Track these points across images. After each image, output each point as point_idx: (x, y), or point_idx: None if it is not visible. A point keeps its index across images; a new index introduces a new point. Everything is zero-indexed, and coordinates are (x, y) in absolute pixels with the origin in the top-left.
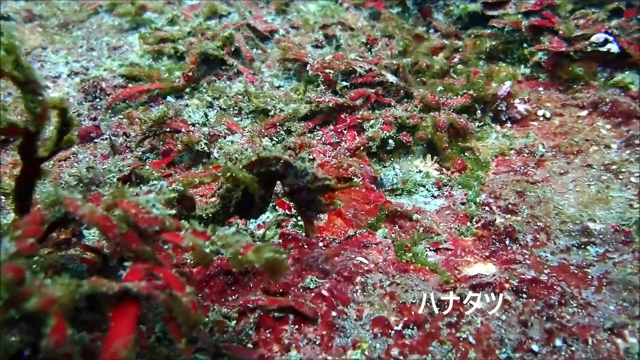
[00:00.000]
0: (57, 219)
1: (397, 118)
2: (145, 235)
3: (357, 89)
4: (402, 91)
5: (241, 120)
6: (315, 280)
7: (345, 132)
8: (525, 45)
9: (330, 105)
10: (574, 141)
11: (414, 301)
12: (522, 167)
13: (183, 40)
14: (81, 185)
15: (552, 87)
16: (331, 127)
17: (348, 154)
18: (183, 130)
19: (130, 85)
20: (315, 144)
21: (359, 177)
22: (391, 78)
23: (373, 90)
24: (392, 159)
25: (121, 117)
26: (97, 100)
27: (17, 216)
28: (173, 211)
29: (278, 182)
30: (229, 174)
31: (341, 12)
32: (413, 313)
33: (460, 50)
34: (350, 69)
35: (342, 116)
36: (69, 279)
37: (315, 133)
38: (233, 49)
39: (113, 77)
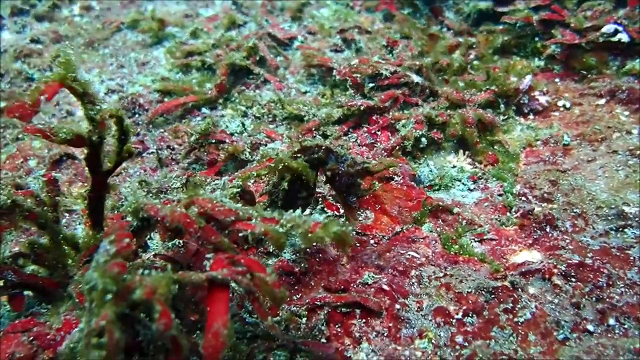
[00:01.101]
0: (135, 228)
1: (427, 116)
2: (223, 226)
3: (384, 90)
4: (427, 90)
5: (276, 127)
6: (373, 276)
7: (378, 133)
8: (537, 38)
9: (362, 108)
10: (596, 129)
11: (469, 290)
12: (551, 157)
13: (209, 53)
14: (151, 193)
15: (568, 77)
16: (365, 128)
17: (385, 154)
18: (227, 140)
19: (165, 99)
20: (351, 145)
21: (400, 176)
22: (416, 78)
23: (400, 91)
24: (425, 156)
25: (162, 130)
26: (137, 115)
27: (91, 231)
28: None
29: None
30: (282, 165)
31: (354, 16)
32: (470, 301)
33: (475, 46)
34: (377, 72)
35: (374, 118)
36: (162, 273)
37: (349, 135)
38: (258, 58)
39: (149, 93)
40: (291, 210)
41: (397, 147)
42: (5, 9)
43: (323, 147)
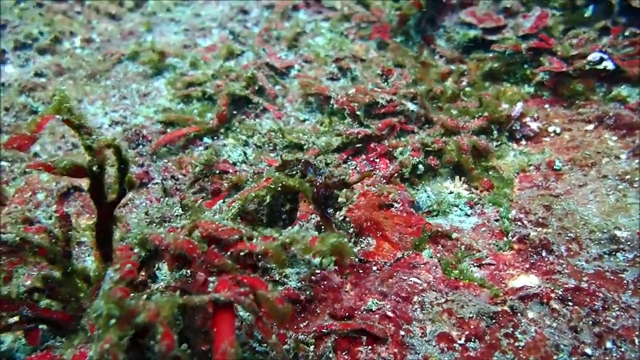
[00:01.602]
0: (142, 259)
1: (423, 143)
2: (227, 246)
3: (380, 119)
4: (422, 118)
5: (277, 155)
6: (377, 302)
7: (377, 160)
8: (526, 65)
9: (360, 136)
10: (586, 154)
11: (471, 315)
12: (544, 182)
13: (209, 83)
14: (154, 223)
15: (557, 103)
16: (363, 156)
17: (384, 181)
18: (230, 170)
19: (168, 130)
20: (351, 173)
21: (399, 203)
22: (411, 106)
23: (397, 119)
24: (423, 183)
25: (166, 161)
26: (141, 147)
27: (101, 263)
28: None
29: None
30: (280, 184)
31: (348, 44)
32: (472, 326)
33: (466, 74)
34: (373, 100)
35: (372, 145)
36: (166, 297)
37: (349, 163)
38: (257, 88)
39: (152, 124)
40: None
41: (396, 174)
42: (8, 43)
43: (302, 161)
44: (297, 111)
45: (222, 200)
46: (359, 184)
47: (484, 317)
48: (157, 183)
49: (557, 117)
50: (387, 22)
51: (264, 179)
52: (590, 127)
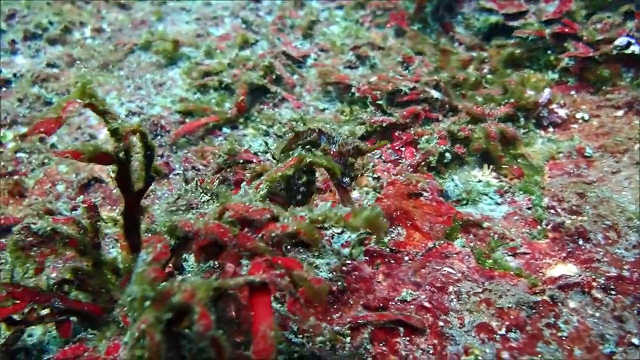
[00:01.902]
0: (171, 247)
1: (450, 131)
2: (258, 226)
3: (404, 107)
4: (447, 105)
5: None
6: (411, 293)
7: (402, 149)
8: (549, 51)
9: (384, 125)
10: (617, 140)
11: (509, 305)
12: (575, 169)
13: (226, 72)
14: (181, 210)
15: (583, 90)
16: (388, 145)
17: (411, 170)
18: (254, 160)
19: (187, 120)
20: (376, 162)
21: (428, 192)
22: (435, 94)
23: (420, 107)
24: (450, 171)
25: (186, 151)
26: (159, 137)
27: (128, 254)
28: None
29: None
30: (308, 162)
31: (364, 32)
32: (512, 317)
33: (487, 61)
34: (396, 88)
35: (396, 134)
36: (201, 279)
37: (373, 152)
38: (274, 77)
39: (170, 114)
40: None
41: (422, 163)
42: (18, 33)
43: (315, 130)
44: (316, 100)
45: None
46: (386, 173)
47: (524, 307)
48: (178, 174)
49: (584, 104)
50: (403, 9)
51: (290, 159)
52: (620, 113)
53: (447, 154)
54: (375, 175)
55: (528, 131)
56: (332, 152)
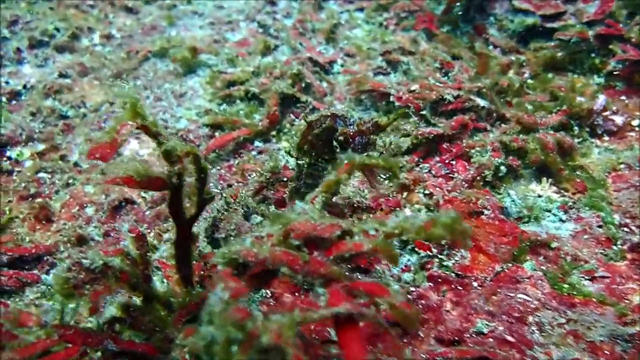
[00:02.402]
0: None
1: (502, 143)
2: (328, 246)
3: (448, 116)
4: (494, 114)
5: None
6: (486, 324)
7: (453, 162)
8: (592, 54)
9: (432, 136)
10: None
11: (601, 338)
12: None
13: (252, 81)
14: (231, 236)
15: (634, 94)
16: (437, 158)
17: (465, 185)
18: None
19: (216, 133)
20: (426, 177)
21: (489, 210)
22: (481, 102)
23: (467, 117)
24: (504, 185)
25: (219, 167)
26: None
27: (180, 286)
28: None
29: None
30: (362, 164)
31: (389, 35)
32: (607, 352)
33: (525, 64)
34: (440, 97)
35: (444, 146)
36: (284, 315)
37: (421, 166)
38: (304, 85)
39: (197, 128)
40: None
41: (478, 178)
42: (23, 40)
43: (328, 115)
44: (349, 109)
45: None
46: (439, 188)
47: (619, 341)
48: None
49: (637, 110)
50: (429, 10)
51: (344, 164)
52: None
53: (502, 167)
54: (426, 192)
55: (582, 140)
56: (352, 133)
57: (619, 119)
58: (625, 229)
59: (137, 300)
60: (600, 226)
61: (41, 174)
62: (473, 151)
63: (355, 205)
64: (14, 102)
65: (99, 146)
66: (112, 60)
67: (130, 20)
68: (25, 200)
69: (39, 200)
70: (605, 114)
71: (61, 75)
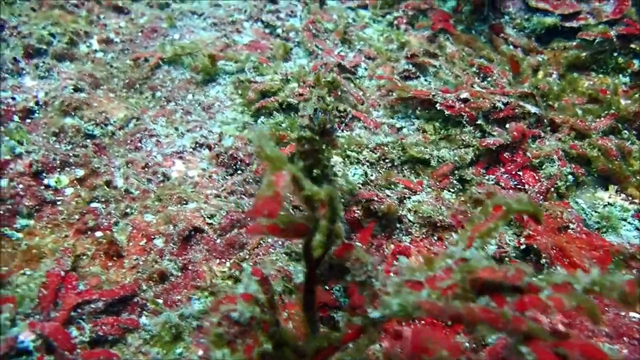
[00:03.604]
0: None
1: (564, 151)
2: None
3: (499, 124)
4: (544, 120)
5: (398, 173)
6: (609, 347)
7: (519, 173)
8: (615, 54)
9: (495, 146)
10: None
11: None
12: None
13: (285, 91)
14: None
15: None
16: (502, 169)
17: (541, 197)
18: (375, 198)
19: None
20: (495, 190)
21: (574, 223)
22: (532, 108)
23: (523, 125)
24: (571, 195)
25: None
26: (240, 172)
27: (308, 326)
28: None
29: None
30: (513, 211)
31: (403, 36)
32: None
33: (548, 65)
34: (493, 105)
35: (505, 155)
36: None
37: (487, 177)
38: (339, 93)
39: (245, 144)
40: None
41: (552, 189)
42: (16, 49)
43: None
44: (388, 117)
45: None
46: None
47: None
48: None
49: None
50: (440, 9)
51: (492, 208)
52: None
53: (570, 177)
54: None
55: (631, 144)
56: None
57: None
58: None
59: (268, 347)
60: None
61: (94, 204)
62: (536, 161)
63: (437, 224)
64: (28, 120)
65: (264, 202)
66: (119, 69)
67: (124, 22)
68: (84, 234)
69: (100, 233)
70: None
71: (76, 90)
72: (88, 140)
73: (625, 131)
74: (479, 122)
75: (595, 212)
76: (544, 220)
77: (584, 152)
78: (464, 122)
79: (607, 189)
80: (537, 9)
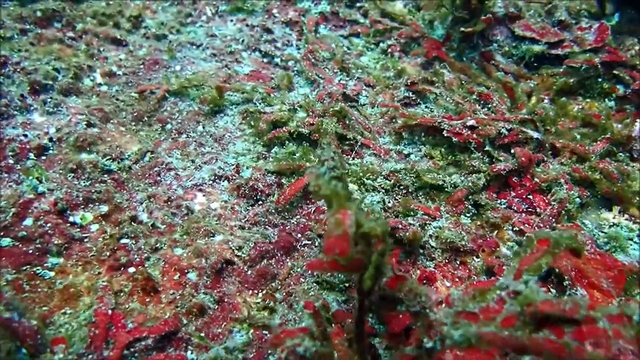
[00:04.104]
0: None
1: (569, 174)
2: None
3: (504, 150)
4: (546, 145)
5: (414, 199)
6: None
7: (530, 197)
8: (599, 79)
9: (504, 172)
10: None
11: None
12: None
13: (294, 121)
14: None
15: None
16: (512, 193)
17: (553, 220)
18: (400, 226)
19: (283, 180)
20: (509, 214)
21: (588, 244)
22: (534, 134)
23: (528, 150)
24: (578, 217)
25: (298, 217)
26: (260, 202)
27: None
28: None
29: None
30: (559, 248)
31: (398, 63)
32: None
33: (538, 91)
34: (498, 131)
35: (514, 180)
36: None
37: (499, 202)
38: (348, 122)
39: (262, 175)
40: None
41: (563, 212)
42: (22, 85)
43: None
44: (394, 144)
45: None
46: (527, 225)
47: None
48: (305, 245)
49: None
50: (431, 37)
51: (537, 242)
52: None
53: (577, 200)
54: (515, 228)
55: (627, 165)
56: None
57: None
58: None
59: None
60: None
61: (124, 240)
62: (544, 185)
63: (460, 249)
64: (43, 157)
65: (335, 241)
66: (125, 102)
67: (124, 54)
68: (117, 270)
69: (133, 269)
70: None
71: (89, 125)
72: (105, 176)
73: (621, 153)
74: (486, 148)
75: (602, 232)
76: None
77: (587, 175)
78: (472, 149)
79: (610, 210)
80: (523, 37)
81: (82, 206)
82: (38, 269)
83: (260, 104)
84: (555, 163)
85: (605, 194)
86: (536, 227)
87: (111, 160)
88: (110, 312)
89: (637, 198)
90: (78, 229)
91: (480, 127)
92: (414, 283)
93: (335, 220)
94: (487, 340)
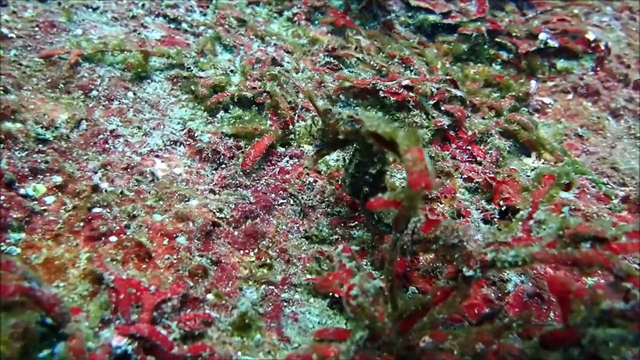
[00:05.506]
0: None
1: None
2: None
3: (435, 108)
4: (467, 102)
5: None
6: None
7: (469, 148)
8: (485, 46)
9: (445, 126)
10: (592, 120)
11: None
12: (585, 147)
13: (234, 86)
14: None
15: (527, 79)
16: (453, 145)
17: (493, 166)
18: None
19: (241, 143)
20: (453, 163)
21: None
22: (458, 92)
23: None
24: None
25: (266, 178)
26: (223, 166)
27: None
28: None
29: None
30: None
31: (306, 31)
32: None
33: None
34: (430, 90)
35: (451, 133)
36: None
37: (443, 154)
38: (285, 86)
39: (220, 139)
40: None
41: (500, 159)
42: None
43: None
44: (330, 106)
45: None
46: (474, 172)
47: None
48: (281, 204)
49: (541, 90)
50: (330, 5)
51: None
52: (570, 96)
53: (507, 147)
54: (464, 176)
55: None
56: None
57: (547, 100)
58: (609, 185)
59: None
60: (594, 187)
61: (96, 209)
62: (480, 136)
63: (427, 196)
64: None
65: (419, 176)
66: (31, 67)
67: (7, 15)
68: (98, 240)
69: (115, 238)
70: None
71: (5, 91)
72: (41, 145)
73: (523, 108)
74: (424, 105)
75: (527, 176)
76: (512, 184)
77: (507, 127)
78: (410, 107)
79: (529, 156)
80: (418, 7)
81: (31, 177)
82: (1, 245)
83: (194, 68)
84: (478, 117)
85: (526, 142)
86: (481, 174)
87: (44, 129)
88: (125, 277)
89: (547, 145)
90: (35, 202)
91: (415, 87)
92: (449, 222)
93: (412, 158)
94: (540, 258)
